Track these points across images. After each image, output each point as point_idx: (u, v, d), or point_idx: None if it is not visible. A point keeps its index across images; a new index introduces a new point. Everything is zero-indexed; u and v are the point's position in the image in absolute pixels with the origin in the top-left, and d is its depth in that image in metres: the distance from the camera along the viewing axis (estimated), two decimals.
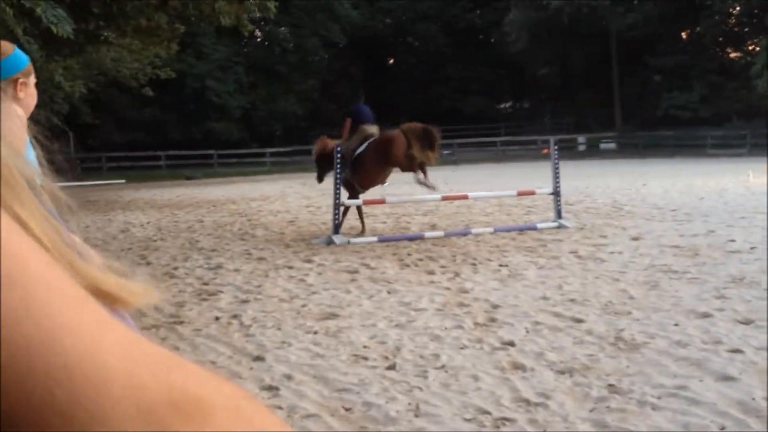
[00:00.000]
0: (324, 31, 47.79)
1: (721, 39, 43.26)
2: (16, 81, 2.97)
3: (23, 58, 3.01)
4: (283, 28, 46.71)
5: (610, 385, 3.80)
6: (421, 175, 10.62)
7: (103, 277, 0.41)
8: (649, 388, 3.73)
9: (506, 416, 3.45)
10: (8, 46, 3.00)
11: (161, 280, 7.36)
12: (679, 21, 43.12)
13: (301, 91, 47.23)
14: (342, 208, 10.48)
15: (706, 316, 5.14)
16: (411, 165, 10.46)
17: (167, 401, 0.34)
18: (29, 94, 3.03)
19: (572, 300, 5.80)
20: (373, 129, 11.44)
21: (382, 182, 11.48)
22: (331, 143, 11.28)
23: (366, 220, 11.74)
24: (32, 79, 3.05)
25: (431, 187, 10.66)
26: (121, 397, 0.32)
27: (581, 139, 43.23)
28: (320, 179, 11.91)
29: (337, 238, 9.45)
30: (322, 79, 49.42)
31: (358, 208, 11.10)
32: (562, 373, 4.04)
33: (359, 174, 10.75)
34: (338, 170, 9.75)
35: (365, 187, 11.17)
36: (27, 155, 2.87)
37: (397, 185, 21.82)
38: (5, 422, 0.30)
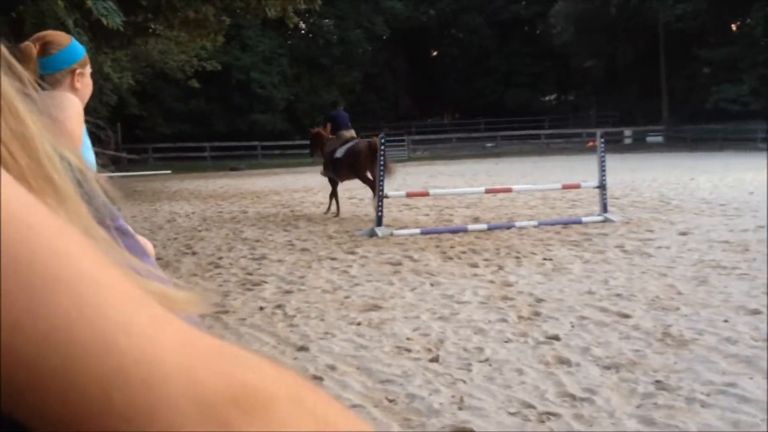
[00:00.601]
0: (368, 23, 47.83)
1: None
2: (73, 71, 3.01)
3: (80, 49, 3.06)
4: (327, 20, 46.85)
5: (658, 382, 3.74)
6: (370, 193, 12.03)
7: (146, 283, 0.40)
8: (697, 385, 3.67)
9: (551, 411, 3.42)
10: (64, 37, 3.05)
11: (206, 270, 7.44)
12: (728, 12, 42.19)
13: (344, 83, 47.37)
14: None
15: (755, 312, 5.03)
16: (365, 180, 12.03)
17: (227, 396, 0.33)
18: (85, 84, 3.08)
19: (618, 295, 5.73)
20: (350, 133, 13.07)
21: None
22: (326, 133, 13.31)
23: (409, 212, 11.77)
24: (88, 69, 3.10)
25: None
26: (179, 395, 0.31)
27: (627, 132, 42.63)
28: (312, 155, 13.99)
29: (379, 230, 9.46)
30: (365, 71, 49.47)
31: (334, 191, 12.56)
32: (608, 368, 3.99)
33: (337, 174, 12.33)
34: (381, 163, 9.74)
35: (342, 180, 12.65)
36: (84, 144, 2.93)
37: (441, 178, 21.80)
38: (64, 427, 0.30)
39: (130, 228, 0.48)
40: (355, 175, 12.15)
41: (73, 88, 3.01)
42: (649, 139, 41.89)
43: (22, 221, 0.30)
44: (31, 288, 0.29)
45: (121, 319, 0.31)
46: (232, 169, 32.80)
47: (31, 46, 2.86)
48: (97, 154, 3.17)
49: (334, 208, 12.44)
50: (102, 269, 0.33)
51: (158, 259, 7.98)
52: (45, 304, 0.29)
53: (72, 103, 2.88)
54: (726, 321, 4.84)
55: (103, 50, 13.56)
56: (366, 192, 15.73)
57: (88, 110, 3.07)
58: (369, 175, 11.74)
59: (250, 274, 7.16)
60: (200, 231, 10.66)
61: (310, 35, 48.61)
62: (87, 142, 3.00)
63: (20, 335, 0.29)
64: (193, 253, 8.56)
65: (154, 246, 7.67)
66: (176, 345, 0.33)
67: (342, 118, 13.53)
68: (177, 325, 0.34)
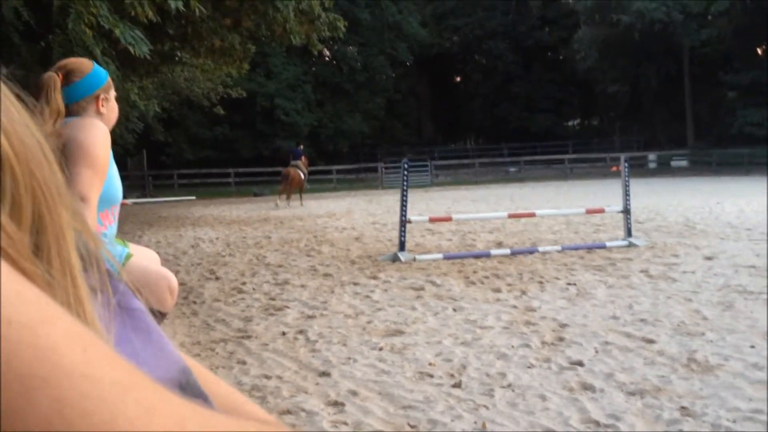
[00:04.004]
0: (391, 49, 48.18)
1: None
2: (97, 97, 3.06)
3: (103, 74, 3.11)
4: (351, 47, 47.27)
5: (683, 408, 3.69)
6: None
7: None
8: (723, 412, 3.62)
9: None
10: (86, 64, 3.10)
11: (229, 295, 7.48)
12: (754, 37, 41.95)
13: (367, 110, 47.66)
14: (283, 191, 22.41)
15: None
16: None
17: None
18: (110, 109, 3.12)
19: (643, 320, 5.67)
20: (296, 163, 23.72)
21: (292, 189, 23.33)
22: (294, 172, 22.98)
23: (432, 237, 11.79)
24: (112, 93, 3.14)
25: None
26: None
27: (651, 156, 42.39)
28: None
29: (402, 255, 9.46)
30: (388, 97, 49.76)
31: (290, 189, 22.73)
32: (632, 394, 3.95)
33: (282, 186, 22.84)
34: (405, 187, 9.76)
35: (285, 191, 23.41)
36: (110, 169, 2.97)
37: (464, 203, 21.78)
38: None
39: (137, 299, 0.48)
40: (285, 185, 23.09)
41: (99, 114, 3.06)
42: (674, 163, 41.60)
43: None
44: (7, 389, 0.28)
45: (105, 416, 0.29)
46: (256, 194, 32.99)
47: (56, 77, 2.91)
48: (123, 178, 3.22)
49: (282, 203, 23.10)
50: (88, 360, 0.31)
51: (182, 284, 8.04)
52: (22, 405, 0.28)
53: (97, 128, 2.93)
54: (752, 347, 4.78)
55: (130, 78, 13.76)
56: (389, 217, 15.87)
57: (114, 137, 3.12)
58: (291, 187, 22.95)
59: (273, 299, 7.18)
60: (224, 256, 10.72)
61: (334, 62, 49.06)
62: (113, 167, 3.05)
63: None
64: (217, 278, 8.61)
65: (177, 273, 7.73)
66: None
67: (296, 153, 24.68)
68: (170, 412, 0.32)
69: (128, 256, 3.13)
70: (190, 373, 0.48)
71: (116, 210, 3.16)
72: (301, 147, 26.38)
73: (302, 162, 24.16)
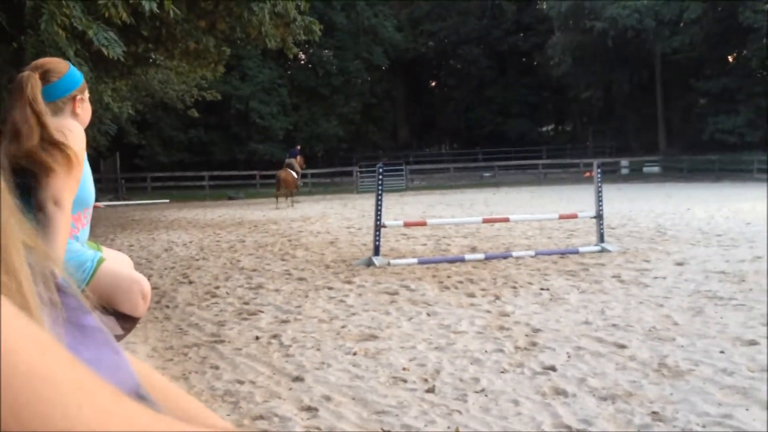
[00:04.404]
0: (367, 53, 48.18)
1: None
2: (74, 98, 3.04)
3: (78, 75, 3.09)
4: (326, 51, 47.20)
5: (654, 413, 3.73)
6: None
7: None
8: (693, 416, 3.66)
9: None
10: (63, 65, 3.08)
11: (203, 299, 7.44)
12: (725, 44, 42.54)
13: (343, 113, 47.63)
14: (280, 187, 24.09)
15: (752, 343, 5.03)
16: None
17: None
18: (85, 110, 3.11)
19: (615, 325, 5.72)
20: (290, 161, 25.17)
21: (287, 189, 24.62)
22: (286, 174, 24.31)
23: (407, 242, 11.81)
24: (87, 95, 3.13)
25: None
26: None
27: (624, 162, 42.80)
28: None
29: (377, 260, 9.47)
30: (364, 101, 49.76)
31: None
32: (604, 399, 3.98)
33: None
34: (380, 192, 9.76)
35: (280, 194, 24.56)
36: (85, 172, 2.95)
37: (439, 207, 21.84)
38: None
39: (91, 317, 0.48)
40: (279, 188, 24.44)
41: (75, 114, 3.04)
42: (646, 169, 42.04)
43: None
44: None
45: (61, 419, 0.29)
46: (230, 198, 32.85)
47: (35, 76, 2.88)
48: (96, 181, 3.19)
49: (282, 204, 24.25)
50: (46, 363, 0.30)
51: (155, 288, 7.98)
52: None
53: (75, 130, 2.90)
54: (722, 352, 4.84)
55: (103, 80, 13.62)
56: (363, 222, 15.92)
57: (87, 139, 3.09)
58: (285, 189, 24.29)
59: (247, 303, 7.15)
60: (197, 260, 10.66)
61: (310, 65, 48.97)
62: (87, 169, 3.02)
63: None
64: (190, 282, 8.55)
65: (150, 277, 7.66)
66: None
67: (292, 153, 26.34)
68: (123, 412, 0.32)
69: (100, 260, 3.10)
70: (143, 392, 0.48)
71: (89, 213, 3.13)
72: (298, 147, 27.84)
73: (297, 161, 25.33)
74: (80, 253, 3.02)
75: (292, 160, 25.18)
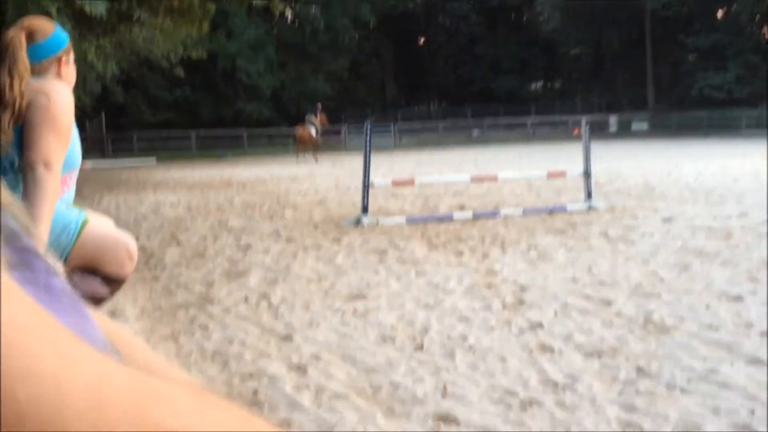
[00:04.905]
0: (354, 10, 47.66)
1: (757, 18, 42.39)
2: (59, 59, 3.00)
3: (64, 36, 3.04)
4: (313, 8, 46.63)
5: (639, 368, 3.77)
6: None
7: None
8: (678, 372, 3.70)
9: (534, 398, 3.45)
10: (49, 25, 3.03)
11: (191, 260, 7.43)
12: (714, 0, 42.30)
13: (330, 71, 47.26)
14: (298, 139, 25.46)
15: (737, 299, 5.08)
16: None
17: None
18: (70, 72, 3.06)
19: (601, 282, 5.76)
20: (309, 117, 25.80)
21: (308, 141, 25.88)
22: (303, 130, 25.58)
23: (395, 201, 11.82)
24: (72, 57, 3.08)
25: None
26: None
27: (613, 119, 42.80)
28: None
29: (365, 219, 9.46)
30: (351, 58, 49.37)
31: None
32: (590, 355, 4.02)
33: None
34: (368, 150, 9.72)
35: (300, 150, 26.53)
36: (75, 134, 2.92)
37: (426, 166, 21.81)
38: None
39: (60, 279, 0.46)
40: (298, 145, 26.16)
41: (59, 76, 3.00)
42: (635, 126, 42.09)
43: None
44: None
45: (23, 362, 0.28)
46: (218, 157, 32.70)
47: (21, 36, 2.84)
48: (82, 140, 3.16)
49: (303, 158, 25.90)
50: (5, 303, 0.29)
51: (143, 249, 7.96)
52: None
53: (62, 91, 2.86)
54: (707, 307, 4.88)
55: (86, 38, 13.42)
56: (352, 181, 15.92)
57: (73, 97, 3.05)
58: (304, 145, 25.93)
59: (235, 263, 7.15)
60: (185, 221, 10.63)
61: (297, 23, 48.44)
62: (75, 131, 2.99)
63: None
64: (178, 243, 8.54)
65: (137, 238, 7.66)
66: (86, 388, 0.30)
67: (310, 109, 26.76)
68: (89, 363, 0.31)
69: (85, 221, 3.08)
70: (115, 354, 0.47)
71: (75, 175, 3.11)
72: (319, 105, 27.54)
73: (318, 119, 25.81)
74: (65, 215, 3.00)
75: (312, 116, 25.74)
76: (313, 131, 25.18)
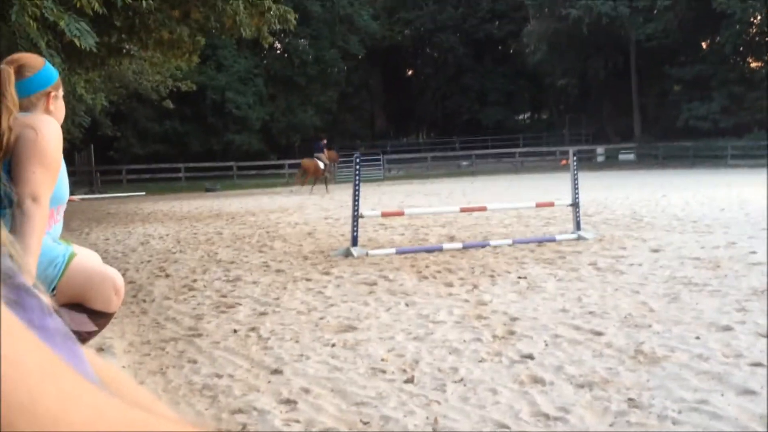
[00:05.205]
0: (343, 42, 48.04)
1: (741, 49, 42.96)
2: (48, 94, 3.00)
3: (53, 72, 3.05)
4: (302, 40, 46.98)
5: (630, 399, 3.76)
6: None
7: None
8: (669, 402, 3.70)
9: (525, 430, 3.43)
10: (38, 60, 3.04)
11: (180, 293, 7.39)
12: (699, 31, 42.90)
13: (319, 103, 47.47)
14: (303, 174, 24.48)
15: (727, 329, 5.09)
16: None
17: None
18: (59, 107, 3.07)
19: (591, 312, 5.76)
20: (318, 156, 26.27)
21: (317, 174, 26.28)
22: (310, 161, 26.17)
23: (384, 232, 11.82)
24: (61, 92, 3.09)
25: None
26: None
27: (600, 150, 43.14)
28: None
29: (355, 250, 9.46)
30: (340, 90, 49.64)
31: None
32: (581, 386, 4.01)
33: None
34: (357, 181, 9.74)
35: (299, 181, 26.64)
36: (62, 169, 2.92)
37: (417, 197, 21.86)
38: None
39: (54, 318, 0.46)
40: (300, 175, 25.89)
41: (48, 111, 3.00)
42: (622, 156, 42.41)
43: None
44: None
45: (23, 399, 0.28)
46: (207, 189, 32.65)
47: (9, 71, 2.84)
48: (71, 174, 3.16)
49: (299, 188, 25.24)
50: (9, 341, 0.30)
51: (131, 282, 7.93)
52: None
53: (51, 125, 2.86)
54: (697, 338, 4.89)
55: (76, 71, 13.45)
56: (342, 212, 15.93)
57: (61, 131, 3.06)
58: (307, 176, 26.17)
59: (225, 296, 7.12)
60: (174, 253, 10.59)
61: (286, 55, 48.72)
62: (63, 165, 2.99)
63: None
64: (167, 276, 8.49)
65: (126, 271, 7.61)
66: (83, 424, 0.30)
67: (316, 147, 26.89)
68: (88, 399, 0.32)
69: (72, 256, 3.07)
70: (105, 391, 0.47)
71: (62, 209, 3.10)
72: (324, 141, 27.83)
73: (325, 155, 26.64)
74: (52, 249, 2.99)
75: (320, 154, 26.53)
76: (321, 165, 26.14)
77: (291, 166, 39.19)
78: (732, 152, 36.55)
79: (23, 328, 0.32)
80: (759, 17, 40.82)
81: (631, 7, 41.83)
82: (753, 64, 43.83)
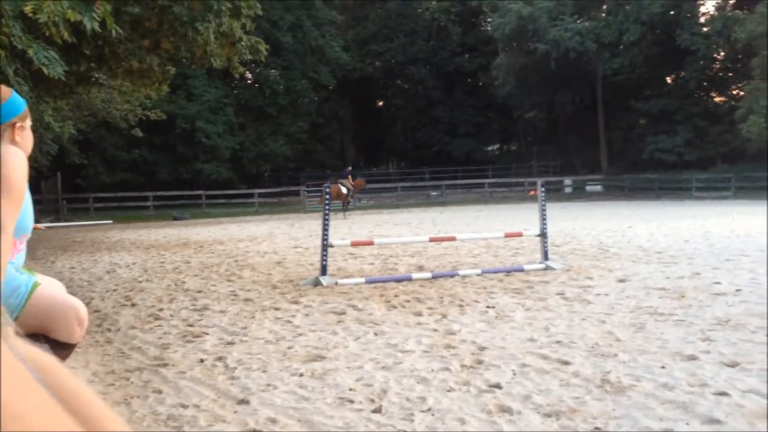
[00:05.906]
0: (314, 73, 48.27)
1: (705, 84, 43.96)
2: (14, 125, 2.97)
3: (20, 102, 3.02)
4: (273, 70, 47.14)
5: (597, 429, 3.78)
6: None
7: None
8: None
9: None
10: (6, 91, 3.01)
11: (146, 322, 7.30)
12: (664, 66, 43.83)
13: (290, 133, 47.54)
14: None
15: (692, 358, 5.14)
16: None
17: None
18: (25, 138, 3.04)
19: (559, 342, 5.79)
20: (342, 181, 28.04)
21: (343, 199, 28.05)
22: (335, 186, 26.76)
23: (354, 261, 11.81)
24: (28, 122, 3.06)
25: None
26: None
27: (567, 181, 43.65)
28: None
29: (324, 279, 9.43)
30: (311, 120, 49.77)
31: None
32: (548, 416, 4.02)
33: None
34: (326, 211, 9.76)
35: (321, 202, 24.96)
36: (27, 199, 2.89)
37: (386, 227, 21.89)
38: None
39: (7, 333, 0.47)
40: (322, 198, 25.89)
41: (14, 142, 2.97)
42: (589, 188, 42.94)
43: None
44: None
45: (12, 428, 0.29)
46: (175, 218, 32.41)
47: None
48: (36, 202, 3.13)
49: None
50: (17, 398, 0.31)
51: (96, 311, 7.82)
52: None
53: (16, 155, 2.84)
54: (663, 367, 4.93)
55: (44, 99, 13.35)
56: (311, 241, 15.90)
57: (28, 159, 3.03)
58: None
59: (191, 325, 7.05)
60: (141, 282, 10.48)
61: (257, 85, 48.82)
62: (27, 195, 2.96)
63: None
64: (133, 305, 8.39)
65: (91, 300, 7.53)
66: None
67: (342, 174, 30.02)
68: (67, 428, 0.32)
69: (35, 285, 3.03)
70: None
71: (25, 239, 3.07)
72: (349, 168, 31.95)
73: (348, 181, 29.10)
74: (15, 278, 2.95)
75: (344, 180, 28.84)
76: (343, 190, 27.88)
77: (260, 195, 39.08)
78: (696, 184, 37.20)
79: (16, 360, 0.32)
80: (722, 53, 41.87)
81: (598, 42, 42.65)
82: (716, 99, 44.83)
